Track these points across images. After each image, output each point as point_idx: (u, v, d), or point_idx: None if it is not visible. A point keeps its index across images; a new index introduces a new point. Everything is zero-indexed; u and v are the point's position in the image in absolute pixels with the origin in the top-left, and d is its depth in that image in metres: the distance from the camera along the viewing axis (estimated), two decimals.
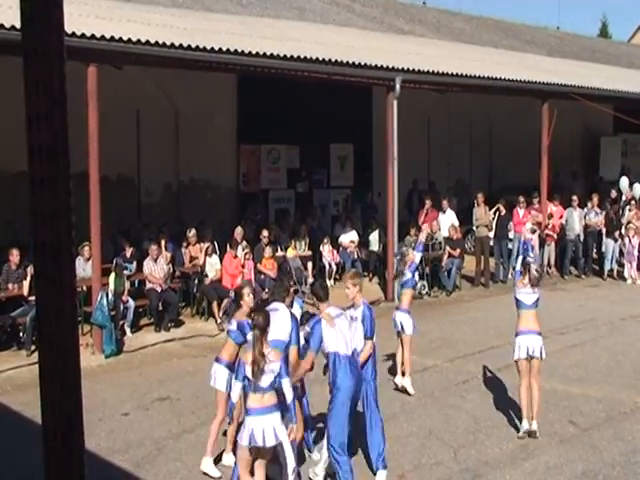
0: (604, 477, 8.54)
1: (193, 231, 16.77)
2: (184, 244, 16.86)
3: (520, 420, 9.77)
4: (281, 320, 8.02)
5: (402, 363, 11.39)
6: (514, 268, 10.44)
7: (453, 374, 12.44)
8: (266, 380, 7.14)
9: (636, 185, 23.90)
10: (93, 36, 12.66)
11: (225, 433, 8.84)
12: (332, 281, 18.60)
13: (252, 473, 7.36)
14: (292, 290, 8.53)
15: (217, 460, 8.73)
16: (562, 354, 13.41)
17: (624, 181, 24.10)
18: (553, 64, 26.78)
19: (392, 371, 11.90)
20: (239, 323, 8.50)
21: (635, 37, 55.48)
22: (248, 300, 8.79)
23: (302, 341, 8.33)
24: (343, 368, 7.93)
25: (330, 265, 19.08)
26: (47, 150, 2.36)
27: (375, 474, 8.44)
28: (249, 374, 7.15)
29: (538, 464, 8.92)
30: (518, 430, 9.74)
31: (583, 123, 29.25)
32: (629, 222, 21.11)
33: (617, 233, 21.06)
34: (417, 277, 11.70)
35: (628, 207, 21.76)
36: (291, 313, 8.22)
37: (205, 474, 8.51)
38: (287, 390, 7.27)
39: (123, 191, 18.12)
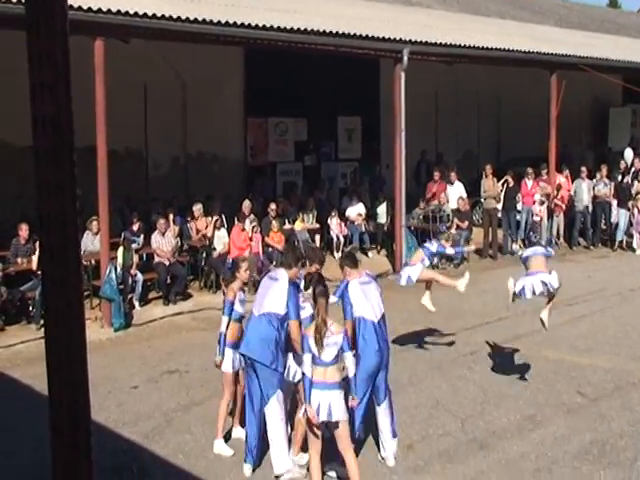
0: (612, 447, 8.58)
1: (199, 205, 16.77)
2: (189, 218, 16.86)
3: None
4: (277, 291, 7.99)
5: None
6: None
7: (461, 345, 12.46)
8: (329, 354, 7.14)
9: None
10: (99, 10, 12.63)
11: (231, 412, 8.87)
12: (339, 253, 18.62)
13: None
14: (301, 263, 8.40)
15: (227, 438, 8.77)
16: (571, 325, 13.43)
17: (628, 152, 23.98)
18: (561, 35, 26.58)
19: (400, 341, 12.00)
20: (225, 302, 8.48)
21: None
22: (244, 275, 8.73)
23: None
24: (368, 334, 7.95)
25: (338, 238, 19.09)
26: (51, 122, 2.37)
27: None
28: (312, 346, 7.14)
29: (546, 434, 8.96)
30: (528, 401, 9.81)
31: (592, 94, 29.06)
32: (638, 193, 21.06)
33: (630, 203, 21.00)
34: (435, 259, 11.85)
35: (637, 178, 21.68)
36: (294, 286, 8.12)
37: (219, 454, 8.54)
38: (350, 363, 7.29)
39: (131, 165, 18.13)
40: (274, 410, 7.86)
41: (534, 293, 9.99)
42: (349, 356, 7.29)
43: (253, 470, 7.97)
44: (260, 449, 8.04)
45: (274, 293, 7.99)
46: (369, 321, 7.99)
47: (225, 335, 8.39)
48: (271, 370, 7.76)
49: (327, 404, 7.06)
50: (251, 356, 7.88)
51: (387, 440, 8.25)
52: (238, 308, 8.48)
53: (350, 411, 7.41)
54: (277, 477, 7.87)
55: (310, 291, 7.88)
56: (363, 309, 8.01)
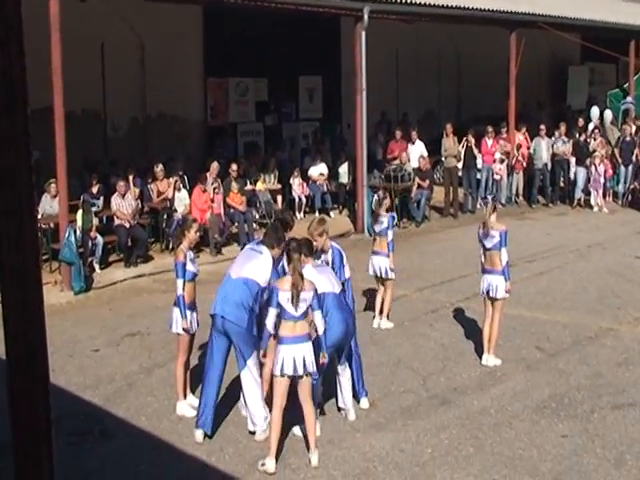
0: (570, 400, 8.73)
1: (160, 166, 16.60)
2: (149, 179, 16.69)
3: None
4: (261, 263, 7.93)
5: (381, 308, 11.49)
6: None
7: (422, 303, 12.57)
8: (299, 309, 7.21)
9: (607, 112, 23.98)
10: None
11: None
12: (302, 214, 18.62)
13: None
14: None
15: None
16: (529, 281, 13.59)
17: (595, 110, 24.09)
18: None
19: (361, 300, 12.08)
20: (176, 264, 8.32)
21: None
22: (193, 235, 8.55)
23: None
24: (331, 306, 7.91)
25: (300, 198, 19.05)
26: (3, 76, 2.32)
27: (359, 402, 8.61)
28: (284, 300, 7.19)
29: (505, 389, 9.10)
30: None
31: (551, 52, 29.16)
32: (594, 150, 21.24)
33: (588, 161, 21.17)
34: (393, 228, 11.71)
35: (593, 135, 21.84)
36: (275, 264, 8.03)
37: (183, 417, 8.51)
38: (319, 322, 7.34)
39: (89, 126, 17.86)
40: (251, 372, 7.85)
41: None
42: (318, 314, 7.34)
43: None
44: (215, 418, 8.02)
45: (258, 263, 7.93)
46: (329, 294, 7.94)
47: (184, 297, 8.32)
48: (247, 332, 7.70)
49: (301, 357, 7.13)
50: (228, 318, 7.77)
51: (347, 397, 8.37)
52: (190, 267, 8.36)
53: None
54: (252, 433, 7.92)
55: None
56: (321, 285, 7.94)
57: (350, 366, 8.49)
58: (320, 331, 7.38)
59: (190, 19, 19.37)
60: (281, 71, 21.31)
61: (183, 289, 8.28)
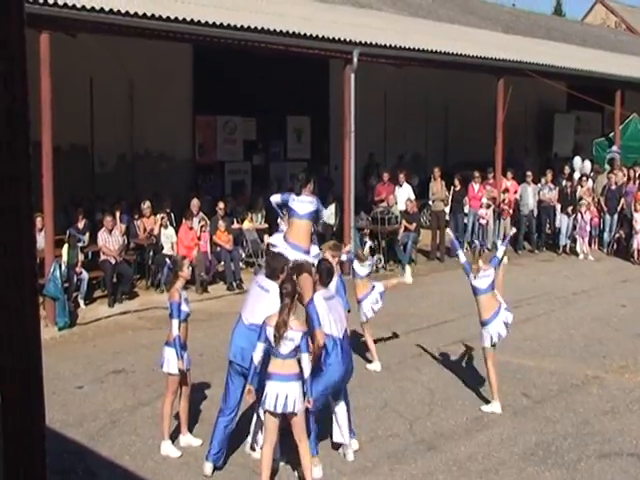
0: (557, 448, 8.67)
1: (147, 203, 16.57)
2: (136, 216, 16.64)
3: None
4: (270, 303, 7.76)
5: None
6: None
7: (409, 347, 12.50)
8: (285, 348, 7.18)
9: (586, 162, 24.21)
10: (46, 2, 12.39)
11: (176, 416, 8.70)
12: None
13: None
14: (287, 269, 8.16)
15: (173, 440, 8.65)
16: (516, 328, 13.46)
17: (577, 160, 24.30)
18: (509, 41, 26.87)
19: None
20: (171, 304, 8.27)
21: (588, 16, 55.95)
22: (186, 272, 8.59)
23: None
24: (333, 351, 7.89)
25: None
26: (6, 112, 2.28)
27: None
28: (271, 335, 7.18)
29: (492, 436, 9.02)
30: (475, 403, 9.88)
31: (538, 99, 29.46)
32: (581, 198, 21.38)
33: (570, 208, 21.30)
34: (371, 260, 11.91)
35: (580, 183, 21.99)
36: None
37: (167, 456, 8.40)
38: (305, 365, 7.26)
39: (76, 161, 17.84)
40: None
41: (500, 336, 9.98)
42: (305, 357, 7.26)
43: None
44: (224, 454, 7.98)
45: (267, 304, 7.76)
46: (335, 337, 7.94)
47: (180, 337, 8.26)
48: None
49: (284, 395, 7.11)
50: (243, 364, 7.74)
51: (345, 433, 8.31)
52: (184, 308, 8.35)
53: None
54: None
55: None
56: (328, 325, 7.92)
57: (346, 403, 8.42)
58: (306, 375, 7.29)
59: (180, 57, 19.45)
60: (270, 111, 21.40)
61: (179, 329, 8.22)
